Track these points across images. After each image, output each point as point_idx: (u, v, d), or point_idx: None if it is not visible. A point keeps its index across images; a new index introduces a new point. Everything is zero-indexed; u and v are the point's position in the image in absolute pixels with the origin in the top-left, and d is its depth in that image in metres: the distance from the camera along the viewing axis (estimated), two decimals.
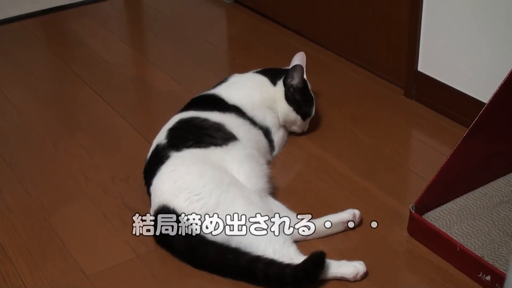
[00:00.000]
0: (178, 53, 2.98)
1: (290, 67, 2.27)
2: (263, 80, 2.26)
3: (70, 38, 3.24)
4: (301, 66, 2.22)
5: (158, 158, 1.90)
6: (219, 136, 1.98)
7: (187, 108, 2.14)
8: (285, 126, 2.29)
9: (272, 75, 2.27)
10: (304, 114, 2.25)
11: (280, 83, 2.24)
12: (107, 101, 2.59)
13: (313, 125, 2.39)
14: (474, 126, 1.82)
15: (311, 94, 2.28)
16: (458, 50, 2.30)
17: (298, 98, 2.22)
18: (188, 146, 1.91)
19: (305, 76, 2.27)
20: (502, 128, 1.92)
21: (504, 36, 2.13)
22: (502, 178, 2.01)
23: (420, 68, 2.47)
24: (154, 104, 2.68)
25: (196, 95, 2.23)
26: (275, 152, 2.23)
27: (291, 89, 2.22)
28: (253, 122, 2.15)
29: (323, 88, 2.61)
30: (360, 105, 2.54)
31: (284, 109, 2.23)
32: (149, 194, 1.89)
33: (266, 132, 2.19)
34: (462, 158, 1.84)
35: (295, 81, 2.22)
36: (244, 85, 2.24)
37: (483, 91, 2.21)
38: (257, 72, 2.31)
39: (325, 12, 2.87)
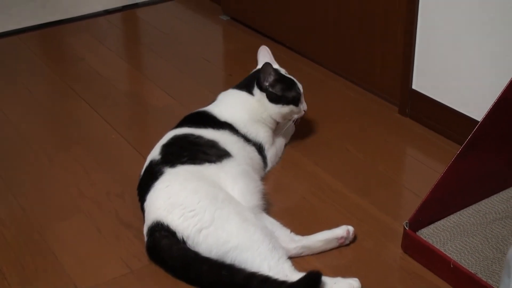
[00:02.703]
0: (174, 69, 2.99)
1: (258, 68, 2.28)
2: (243, 95, 2.24)
3: (67, 53, 3.25)
4: (266, 64, 2.20)
5: (152, 174, 1.91)
6: (213, 153, 1.99)
7: (181, 124, 2.15)
8: (284, 136, 2.34)
9: (247, 86, 2.25)
10: (294, 100, 2.24)
11: (257, 91, 2.22)
12: (103, 116, 2.60)
13: (308, 142, 2.40)
14: (468, 144, 1.83)
15: (289, 78, 2.26)
16: (452, 69, 2.32)
17: (280, 93, 2.21)
18: (183, 163, 1.92)
19: (275, 66, 2.26)
20: (495, 146, 1.93)
21: (497, 55, 2.14)
22: (495, 195, 2.01)
23: (415, 86, 2.48)
24: (149, 119, 2.68)
25: (190, 112, 2.24)
26: (268, 168, 2.23)
27: (270, 90, 2.21)
28: (246, 139, 2.16)
29: (318, 105, 2.62)
30: (354, 122, 2.55)
31: (276, 109, 2.22)
32: (143, 210, 1.89)
33: (260, 149, 2.19)
34: (456, 175, 1.85)
35: (268, 80, 2.20)
36: (231, 104, 2.23)
37: (477, 109, 2.23)
38: (235, 88, 2.29)
39: (321, 30, 2.89)
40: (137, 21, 3.63)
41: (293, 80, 2.26)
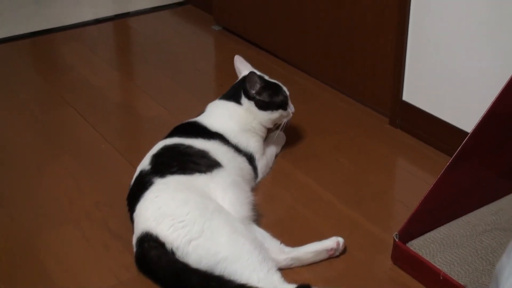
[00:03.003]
0: (166, 79, 2.99)
1: (241, 77, 2.28)
2: (232, 106, 2.24)
3: (58, 62, 3.24)
4: (251, 73, 2.20)
5: (142, 184, 1.90)
6: (203, 163, 1.98)
7: (171, 134, 2.14)
8: (275, 147, 2.34)
9: (234, 96, 2.25)
10: (282, 104, 2.24)
11: (244, 100, 2.22)
12: (93, 125, 2.59)
13: (299, 152, 2.40)
14: (458, 155, 1.83)
15: (274, 83, 2.26)
16: (442, 80, 2.32)
17: (267, 99, 2.22)
18: (172, 173, 1.91)
19: (258, 72, 2.27)
20: (485, 158, 1.93)
21: (487, 67, 2.15)
22: (485, 207, 2.01)
23: (405, 97, 2.49)
24: (140, 129, 2.68)
25: (181, 123, 2.23)
26: (259, 179, 2.23)
27: (257, 97, 2.21)
28: (237, 149, 2.16)
29: (309, 116, 2.62)
30: (345, 133, 2.55)
31: (266, 116, 2.23)
32: (132, 220, 1.88)
33: (250, 159, 2.19)
34: (446, 187, 1.85)
35: (255, 88, 2.20)
36: (220, 115, 2.23)
37: (467, 121, 2.23)
38: (223, 98, 2.29)
39: (312, 41, 2.89)
40: (129, 30, 3.62)
41: (278, 85, 2.27)
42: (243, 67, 2.33)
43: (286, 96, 2.26)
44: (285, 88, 2.27)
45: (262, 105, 2.21)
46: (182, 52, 3.29)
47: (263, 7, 3.15)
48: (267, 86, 2.22)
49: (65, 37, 3.45)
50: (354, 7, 2.60)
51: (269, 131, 2.31)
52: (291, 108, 2.28)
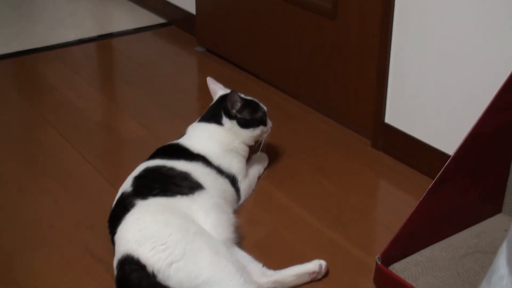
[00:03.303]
0: (148, 100, 2.99)
1: (217, 98, 2.29)
2: (213, 127, 2.24)
3: (40, 82, 3.23)
4: (232, 92, 2.21)
5: (123, 206, 1.89)
6: (185, 185, 1.97)
7: (153, 156, 2.14)
8: (257, 169, 2.35)
9: (214, 117, 2.25)
10: (262, 120, 2.26)
11: (226, 120, 2.22)
12: (74, 146, 2.58)
13: (281, 174, 2.40)
14: (440, 178, 1.83)
15: (252, 101, 2.28)
16: (424, 103, 2.34)
17: (248, 117, 2.23)
18: (154, 195, 1.90)
19: (227, 90, 2.28)
20: (466, 180, 1.94)
21: (468, 89, 2.16)
22: (467, 230, 2.02)
23: (387, 120, 2.50)
24: (122, 150, 2.66)
25: (163, 145, 2.23)
26: (241, 201, 2.22)
27: (239, 116, 2.22)
28: (219, 170, 2.15)
29: (291, 138, 2.62)
30: (328, 156, 2.55)
31: (248, 134, 2.24)
32: (113, 243, 1.87)
33: (233, 181, 2.19)
34: (428, 209, 1.85)
35: (236, 107, 2.21)
36: (202, 137, 2.23)
37: (449, 143, 2.24)
38: (203, 121, 2.28)
39: (295, 63, 2.90)
40: (112, 51, 3.62)
41: (256, 102, 2.29)
42: (217, 88, 2.34)
43: (264, 112, 2.28)
44: (261, 104, 2.28)
45: (244, 123, 2.22)
46: (165, 73, 3.29)
47: (246, 29, 3.16)
48: (247, 104, 2.24)
49: (48, 58, 3.44)
50: (337, 30, 2.62)
51: (251, 152, 2.31)
52: (269, 123, 2.29)
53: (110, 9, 4.16)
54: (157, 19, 3.93)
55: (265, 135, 2.29)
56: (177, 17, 3.80)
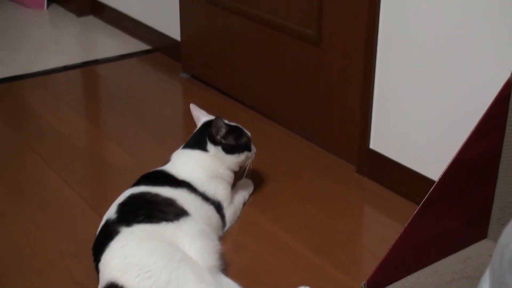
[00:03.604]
0: (133, 127, 2.98)
1: (201, 124, 2.29)
2: (197, 154, 2.23)
3: (24, 108, 3.21)
4: (217, 118, 2.21)
5: (108, 234, 1.87)
6: (170, 212, 1.96)
7: (138, 183, 2.13)
8: (242, 195, 2.35)
9: (199, 143, 2.24)
10: (247, 146, 2.26)
11: (210, 146, 2.22)
12: (58, 173, 2.56)
13: (266, 200, 2.39)
14: (425, 203, 1.83)
15: (236, 126, 2.28)
16: (408, 129, 2.35)
17: (233, 142, 2.23)
18: (139, 222, 1.89)
19: (211, 117, 2.29)
20: (451, 206, 1.94)
21: (452, 115, 2.18)
22: (452, 255, 2.01)
23: (372, 145, 2.51)
24: (106, 177, 2.65)
25: (147, 172, 2.22)
26: (226, 227, 2.22)
27: (224, 142, 2.21)
28: (204, 197, 2.15)
29: (276, 164, 2.62)
30: (313, 181, 2.55)
31: (233, 159, 2.23)
32: (97, 270, 1.85)
33: (218, 207, 2.18)
34: (413, 235, 1.85)
35: (221, 133, 2.21)
36: (187, 163, 2.22)
37: (433, 169, 2.25)
38: (187, 147, 2.28)
39: (279, 89, 2.91)
40: (97, 78, 3.62)
41: (240, 127, 2.29)
42: (200, 114, 2.34)
43: (249, 138, 2.28)
44: (245, 130, 2.29)
45: (228, 149, 2.21)
46: (150, 99, 3.29)
47: (231, 56, 3.17)
48: (231, 130, 2.24)
49: (32, 84, 3.43)
50: (321, 56, 2.63)
51: (235, 178, 2.30)
52: (253, 149, 2.30)
53: (95, 36, 4.17)
54: (142, 46, 3.94)
55: (250, 161, 2.29)
56: (162, 44, 3.81)
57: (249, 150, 2.27)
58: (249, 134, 2.29)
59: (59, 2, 4.68)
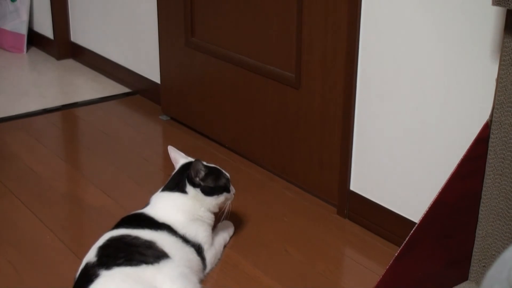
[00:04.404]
0: (113, 169, 2.97)
1: (179, 166, 2.28)
2: (177, 196, 2.23)
3: (2, 151, 3.19)
4: (196, 161, 2.21)
5: (88, 277, 1.85)
6: (150, 254, 1.95)
7: (118, 226, 2.11)
8: (223, 237, 2.33)
9: (178, 186, 2.24)
10: (226, 187, 2.26)
11: (190, 188, 2.22)
12: (37, 215, 2.54)
13: (247, 243, 2.38)
14: (406, 245, 1.84)
15: (215, 168, 2.28)
16: (388, 171, 2.36)
17: (212, 184, 2.23)
18: (119, 264, 1.87)
19: (189, 159, 2.29)
20: (432, 248, 1.95)
21: (433, 157, 2.19)
22: None
23: (353, 187, 2.52)
24: (86, 220, 2.63)
25: (127, 214, 2.21)
26: (207, 270, 2.20)
27: (203, 184, 2.21)
28: (185, 239, 2.13)
29: (257, 206, 2.62)
30: (293, 223, 2.55)
31: (213, 201, 2.23)
32: None
33: (199, 250, 2.17)
34: (394, 277, 1.85)
35: (200, 175, 2.21)
36: (167, 206, 2.21)
37: (414, 211, 2.26)
38: (166, 190, 2.27)
39: (259, 132, 2.92)
40: (76, 120, 3.61)
41: (218, 169, 2.29)
42: (178, 156, 2.34)
43: (227, 179, 2.28)
44: (224, 171, 2.29)
45: (208, 191, 2.21)
46: (129, 141, 3.28)
47: (210, 98, 3.18)
48: (210, 172, 2.24)
49: (11, 127, 3.42)
50: (301, 99, 2.65)
51: (216, 220, 2.30)
52: (232, 189, 2.30)
53: (74, 79, 4.17)
54: (122, 88, 3.95)
55: (229, 202, 2.29)
56: (142, 87, 3.83)
57: (228, 191, 2.27)
58: (228, 175, 2.29)
59: (39, 45, 4.69)
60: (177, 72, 3.40)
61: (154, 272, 1.90)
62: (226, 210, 2.29)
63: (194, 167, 2.20)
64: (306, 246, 2.39)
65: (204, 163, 2.26)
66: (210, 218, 2.25)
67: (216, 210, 2.27)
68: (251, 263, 2.28)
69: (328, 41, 2.47)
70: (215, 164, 2.31)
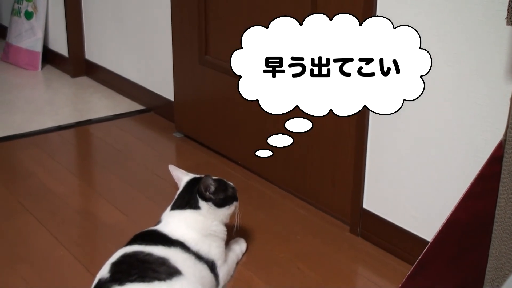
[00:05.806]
0: (127, 186, 2.98)
1: (185, 184, 2.30)
2: (189, 213, 2.24)
3: (17, 168, 3.22)
4: (206, 176, 2.23)
5: None
6: (163, 271, 1.95)
7: (131, 242, 2.12)
8: (235, 255, 2.34)
9: (188, 203, 2.25)
10: (234, 196, 2.29)
11: (202, 203, 2.23)
12: (52, 232, 2.55)
13: (259, 260, 2.39)
14: (418, 264, 1.83)
15: (220, 180, 2.30)
16: (401, 189, 2.36)
17: (223, 195, 2.25)
18: (132, 281, 1.88)
19: (191, 175, 2.32)
20: (445, 267, 1.94)
21: (446, 176, 2.19)
22: None
23: (365, 205, 2.52)
24: (99, 236, 2.64)
25: (141, 231, 2.21)
26: (220, 287, 2.20)
27: (214, 197, 2.23)
28: (198, 256, 2.14)
29: (269, 224, 2.62)
30: (306, 241, 2.55)
31: (226, 212, 2.26)
32: None
33: (212, 267, 2.17)
34: None
35: (211, 189, 2.23)
36: (179, 223, 2.21)
37: (426, 229, 2.26)
38: (176, 209, 2.27)
39: (272, 149, 2.92)
40: (90, 137, 3.63)
41: (224, 180, 2.32)
42: (181, 174, 2.35)
43: (233, 187, 2.31)
44: (229, 182, 2.32)
45: (220, 203, 2.24)
46: (143, 158, 3.30)
47: (224, 116, 3.20)
48: (219, 185, 2.27)
49: (25, 144, 3.44)
50: (313, 116, 2.65)
51: (228, 237, 2.30)
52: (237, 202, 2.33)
53: (89, 96, 4.20)
54: (135, 106, 3.97)
55: (237, 210, 2.31)
56: (156, 104, 3.85)
57: (237, 199, 2.30)
58: (232, 184, 2.32)
59: (54, 63, 4.73)
60: (191, 89, 3.42)
61: None
62: (236, 223, 2.29)
63: (205, 183, 2.21)
64: (318, 264, 2.39)
65: (211, 176, 2.28)
66: (223, 231, 2.26)
67: (228, 220, 2.28)
68: (263, 281, 2.28)
69: None
70: (225, 179, 2.33)
